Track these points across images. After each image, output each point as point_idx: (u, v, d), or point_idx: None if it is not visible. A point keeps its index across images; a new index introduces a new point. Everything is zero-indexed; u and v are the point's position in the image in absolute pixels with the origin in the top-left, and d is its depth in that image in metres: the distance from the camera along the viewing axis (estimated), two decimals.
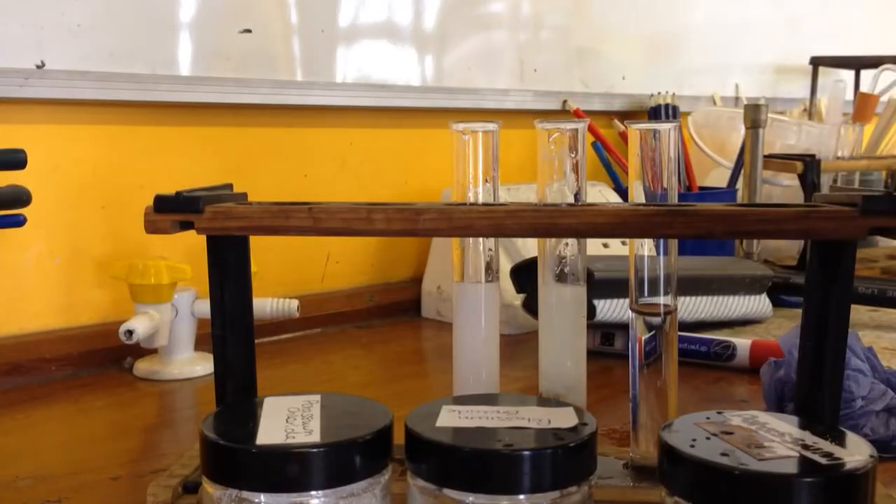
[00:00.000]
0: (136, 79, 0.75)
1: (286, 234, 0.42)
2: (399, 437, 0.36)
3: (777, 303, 0.85)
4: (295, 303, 0.73)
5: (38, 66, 0.70)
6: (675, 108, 1.16)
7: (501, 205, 0.41)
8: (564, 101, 1.11)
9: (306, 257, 0.90)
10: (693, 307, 0.78)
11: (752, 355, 0.68)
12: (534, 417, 0.37)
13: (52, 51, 0.71)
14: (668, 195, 0.43)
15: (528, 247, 0.83)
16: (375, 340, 0.83)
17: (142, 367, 0.71)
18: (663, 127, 0.43)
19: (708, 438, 0.35)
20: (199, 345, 0.72)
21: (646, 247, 0.44)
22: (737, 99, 1.35)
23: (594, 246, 0.86)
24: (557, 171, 0.44)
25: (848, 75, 1.41)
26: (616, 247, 0.88)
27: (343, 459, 0.34)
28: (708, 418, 0.37)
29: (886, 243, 1.21)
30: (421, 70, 0.96)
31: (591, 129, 1.06)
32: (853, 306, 0.42)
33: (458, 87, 0.99)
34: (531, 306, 0.74)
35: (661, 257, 0.43)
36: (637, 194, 0.43)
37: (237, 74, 0.81)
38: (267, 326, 0.80)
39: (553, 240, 0.44)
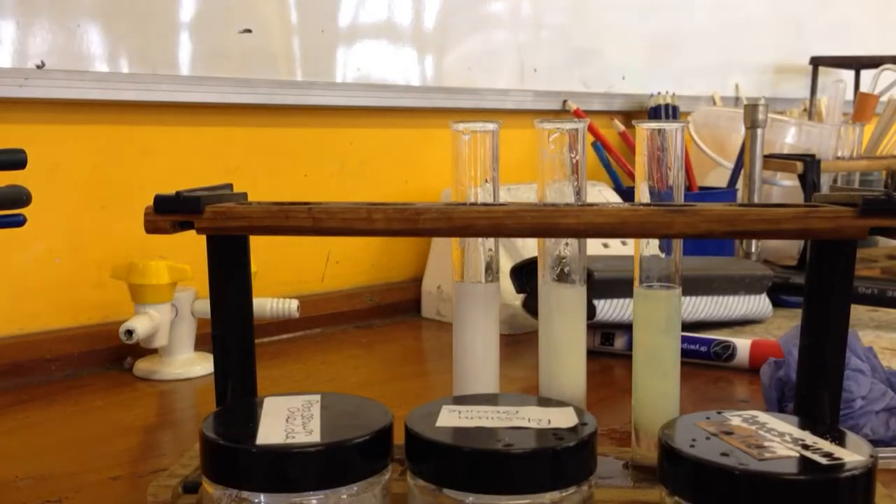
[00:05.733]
0: (136, 79, 0.75)
1: (286, 234, 0.42)
2: (399, 437, 0.36)
3: (777, 303, 0.85)
4: (295, 303, 0.73)
5: (38, 66, 0.70)
6: (675, 108, 1.16)
7: (501, 205, 0.41)
8: (564, 101, 1.11)
9: (306, 257, 0.90)
10: (693, 307, 0.78)
11: (752, 355, 0.68)
12: (534, 417, 0.37)
13: (52, 51, 0.71)
14: (673, 194, 0.43)
15: (528, 247, 0.83)
16: (375, 340, 0.83)
17: (142, 367, 0.71)
18: (670, 127, 0.43)
19: (708, 438, 0.35)
20: (199, 345, 0.72)
21: (650, 246, 0.44)
22: (737, 99, 1.35)
23: (594, 246, 0.86)
24: (557, 171, 0.44)
25: (848, 75, 1.41)
26: (616, 247, 0.89)
27: (343, 459, 0.34)
28: (708, 418, 0.37)
29: (886, 243, 1.21)
30: (421, 70, 0.96)
31: (591, 129, 1.06)
32: (853, 306, 0.42)
33: (459, 87, 0.99)
34: (531, 306, 0.74)
35: (666, 256, 0.43)
36: (643, 194, 0.43)
37: (237, 74, 0.81)
38: (267, 326, 0.80)
39: (553, 240, 0.44)
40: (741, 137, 1.03)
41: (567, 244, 0.44)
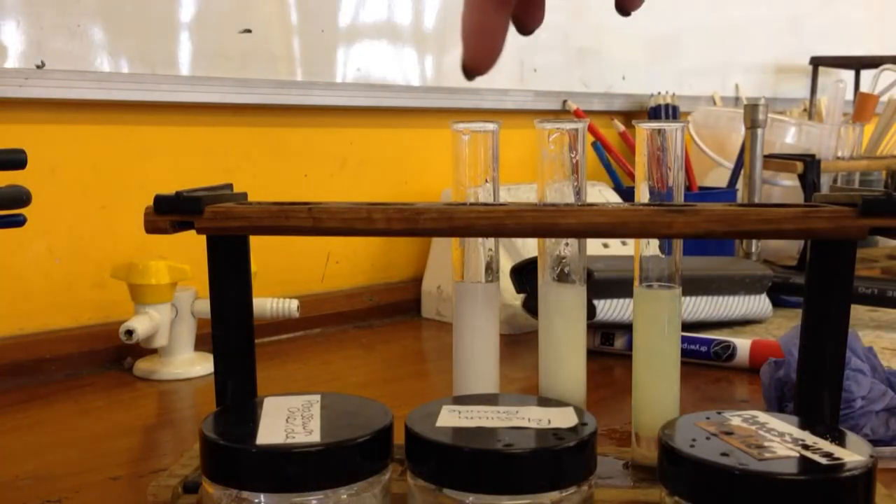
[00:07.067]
0: (136, 79, 0.75)
1: (286, 234, 0.42)
2: (399, 437, 0.36)
3: (777, 303, 0.85)
4: (295, 303, 0.73)
5: (38, 66, 0.70)
6: (675, 108, 1.16)
7: (501, 205, 0.41)
8: (564, 101, 1.11)
9: (306, 257, 0.90)
10: (693, 307, 0.78)
11: (752, 355, 0.68)
12: (534, 417, 0.37)
13: (52, 51, 0.71)
14: (673, 194, 0.43)
15: (528, 247, 0.83)
16: (375, 340, 0.83)
17: (142, 367, 0.71)
18: (670, 127, 0.43)
19: (708, 438, 0.35)
20: (199, 345, 0.72)
21: (650, 246, 0.44)
22: (737, 99, 1.35)
23: (594, 246, 0.86)
24: (557, 171, 0.44)
25: (848, 75, 1.41)
26: (616, 247, 0.88)
27: (343, 459, 0.34)
28: (708, 418, 0.37)
29: (886, 243, 1.21)
30: (421, 70, 0.96)
31: (591, 129, 1.06)
32: (853, 306, 0.42)
33: (458, 87, 0.99)
34: (531, 306, 0.74)
35: (666, 256, 0.43)
36: (643, 194, 0.43)
37: (237, 74, 0.81)
38: (267, 326, 0.80)
39: (553, 240, 0.44)
40: (741, 137, 1.03)
41: (567, 244, 0.44)
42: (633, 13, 0.36)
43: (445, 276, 0.90)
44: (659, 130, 0.43)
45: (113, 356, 0.73)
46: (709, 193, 1.08)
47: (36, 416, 0.61)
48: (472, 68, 0.35)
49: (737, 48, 1.36)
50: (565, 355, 0.45)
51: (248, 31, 0.82)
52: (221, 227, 0.41)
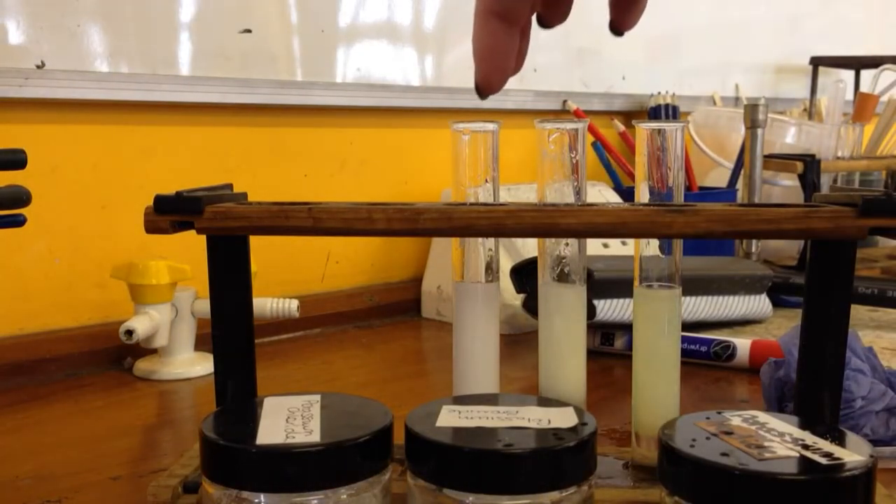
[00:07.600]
0: (136, 79, 0.75)
1: (286, 234, 0.42)
2: (399, 437, 0.36)
3: (777, 303, 0.85)
4: (295, 303, 0.73)
5: (38, 66, 0.70)
6: (675, 108, 1.16)
7: (501, 205, 0.41)
8: (564, 101, 1.11)
9: (306, 257, 0.90)
10: (693, 307, 0.78)
11: (752, 355, 0.68)
12: (534, 417, 0.37)
13: (52, 51, 0.71)
14: (673, 194, 0.43)
15: (528, 247, 0.83)
16: (375, 340, 0.83)
17: (142, 367, 0.71)
18: (670, 127, 0.43)
19: (708, 438, 0.35)
20: (199, 345, 0.72)
21: (650, 246, 0.44)
22: (737, 99, 1.35)
23: (594, 246, 0.86)
24: (557, 171, 0.44)
25: (848, 75, 1.41)
26: (616, 247, 0.89)
27: (343, 459, 0.34)
28: (708, 418, 0.37)
29: (886, 243, 1.21)
30: (421, 70, 0.96)
31: (591, 129, 1.06)
32: (853, 306, 0.42)
33: (458, 87, 0.99)
34: (531, 306, 0.74)
35: (666, 256, 0.43)
36: (643, 194, 0.43)
37: (237, 74, 0.81)
38: (267, 326, 0.80)
39: (553, 240, 0.44)
40: (741, 137, 1.03)
41: (567, 244, 0.44)
42: (626, 33, 0.37)
43: (445, 276, 0.90)
44: (659, 130, 0.43)
45: (113, 356, 0.73)
46: (709, 193, 1.08)
47: (36, 416, 0.61)
48: (485, 88, 0.36)
49: (737, 48, 1.36)
50: (565, 355, 0.45)
51: (248, 31, 0.82)
52: (221, 227, 0.41)
